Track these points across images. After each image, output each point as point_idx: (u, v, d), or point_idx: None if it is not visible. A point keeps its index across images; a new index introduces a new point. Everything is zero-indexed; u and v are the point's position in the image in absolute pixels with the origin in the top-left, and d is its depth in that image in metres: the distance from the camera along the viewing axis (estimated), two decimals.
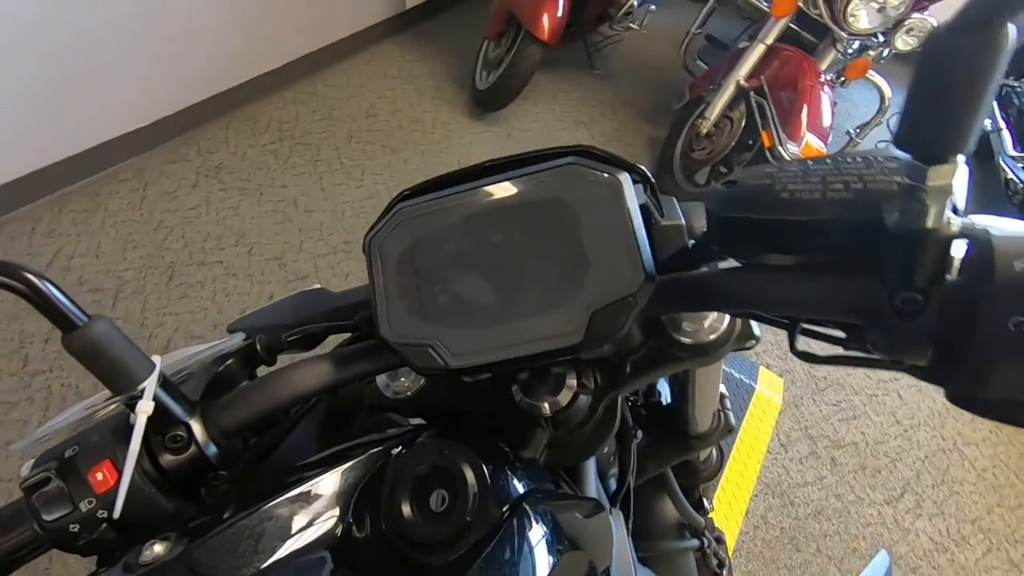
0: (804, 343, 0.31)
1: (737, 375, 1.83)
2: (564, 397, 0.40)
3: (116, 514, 0.28)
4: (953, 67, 0.19)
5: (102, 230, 1.89)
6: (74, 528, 0.29)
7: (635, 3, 2.58)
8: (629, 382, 0.41)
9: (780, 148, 1.87)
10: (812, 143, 1.88)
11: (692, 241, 0.38)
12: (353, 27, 2.74)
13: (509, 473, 0.34)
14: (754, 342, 0.41)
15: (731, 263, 0.35)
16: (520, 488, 0.34)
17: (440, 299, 0.33)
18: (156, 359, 0.31)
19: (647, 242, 0.31)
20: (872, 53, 2.00)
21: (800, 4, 1.94)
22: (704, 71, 2.39)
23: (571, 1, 2.34)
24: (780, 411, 1.78)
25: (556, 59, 2.88)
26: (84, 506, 0.29)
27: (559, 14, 2.28)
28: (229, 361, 0.37)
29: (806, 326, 0.32)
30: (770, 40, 2.01)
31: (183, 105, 2.20)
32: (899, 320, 0.24)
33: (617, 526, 0.42)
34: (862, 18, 1.87)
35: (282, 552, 0.28)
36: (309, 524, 0.29)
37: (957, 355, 0.24)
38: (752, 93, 2.03)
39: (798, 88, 1.94)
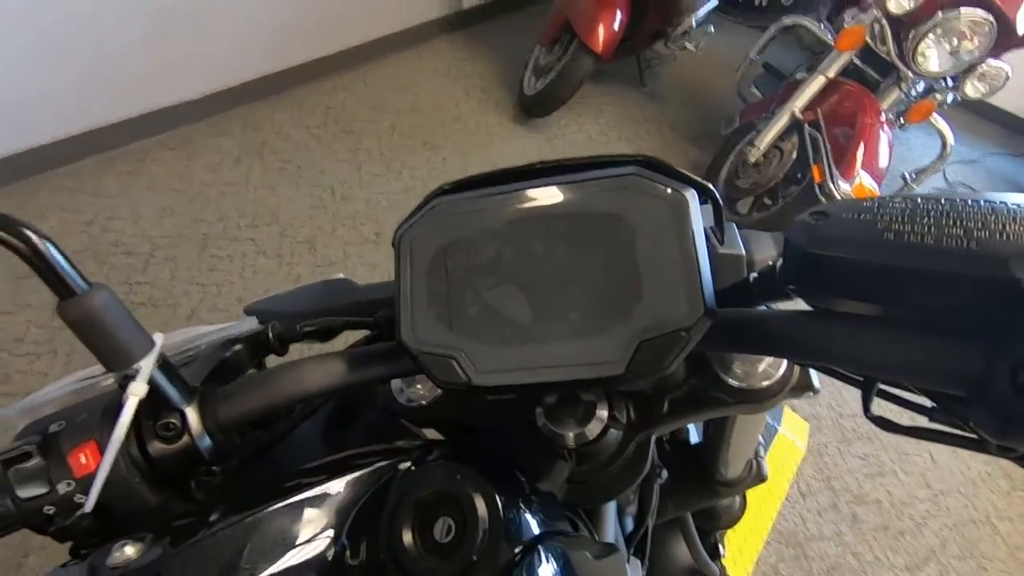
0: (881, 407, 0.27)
1: None
2: (593, 429, 0.36)
3: (89, 505, 0.26)
4: None
5: (143, 195, 1.92)
6: (49, 510, 0.27)
7: (693, 23, 2.53)
8: (665, 422, 0.37)
9: (831, 185, 1.80)
10: (865, 183, 1.80)
11: (754, 275, 0.34)
12: (409, 21, 2.75)
13: (524, 508, 0.31)
14: (812, 394, 0.37)
15: (795, 305, 0.31)
16: (535, 528, 0.30)
17: (470, 309, 0.30)
18: (158, 337, 0.28)
19: (710, 271, 0.28)
20: (938, 97, 1.91)
21: (867, 39, 1.87)
22: (758, 99, 2.33)
23: (629, 16, 2.31)
24: (803, 457, 1.70)
25: (607, 72, 2.85)
26: (62, 488, 0.27)
27: (615, 28, 2.26)
28: (238, 347, 0.35)
29: (884, 387, 0.28)
30: (831, 73, 1.94)
31: (236, 82, 2.23)
32: (1019, 399, 0.20)
33: (633, 574, 0.38)
34: (932, 59, 1.79)
35: (264, 573, 0.25)
36: (298, 543, 0.26)
37: None
38: (806, 125, 1.96)
39: (856, 125, 1.87)
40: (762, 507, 1.57)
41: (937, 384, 0.23)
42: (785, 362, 0.36)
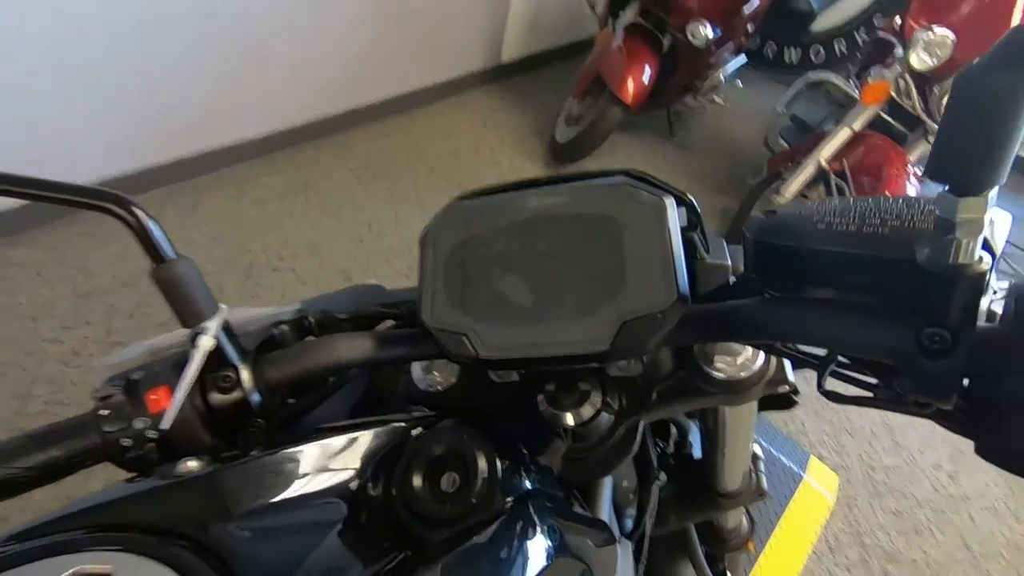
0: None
1: (786, 462, 1.72)
2: (587, 412, 0.40)
3: (167, 422, 0.31)
4: (984, 105, 0.20)
5: (197, 226, 2.07)
6: (125, 442, 0.32)
7: (722, 78, 2.63)
8: (653, 409, 0.41)
9: None
10: None
11: (733, 279, 0.38)
12: (450, 74, 2.93)
13: (522, 471, 0.35)
14: (787, 387, 0.40)
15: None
16: (528, 486, 0.34)
17: (480, 294, 0.35)
18: (223, 306, 0.35)
19: (684, 264, 0.32)
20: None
21: (892, 93, 1.92)
22: (785, 150, 2.38)
23: (658, 70, 2.42)
24: (831, 509, 1.65)
25: (637, 123, 2.95)
26: (138, 423, 0.32)
27: (644, 81, 2.36)
28: (284, 327, 0.40)
29: (839, 369, 0.31)
30: (857, 126, 1.99)
31: (286, 126, 2.41)
32: (926, 358, 0.24)
33: (624, 556, 0.41)
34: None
35: (301, 490, 0.29)
36: (328, 473, 0.31)
37: (987, 404, 0.23)
38: (833, 175, 2.00)
39: (882, 176, 1.89)
40: (788, 558, 1.52)
41: (872, 354, 0.27)
42: (761, 356, 0.40)
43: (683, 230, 0.35)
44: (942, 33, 1.71)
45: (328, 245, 2.12)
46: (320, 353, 0.36)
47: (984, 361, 0.23)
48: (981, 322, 0.24)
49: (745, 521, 0.70)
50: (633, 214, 0.33)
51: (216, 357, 0.34)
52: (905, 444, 1.88)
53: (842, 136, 2.02)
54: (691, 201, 0.36)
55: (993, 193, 0.21)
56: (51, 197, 0.32)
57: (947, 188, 0.22)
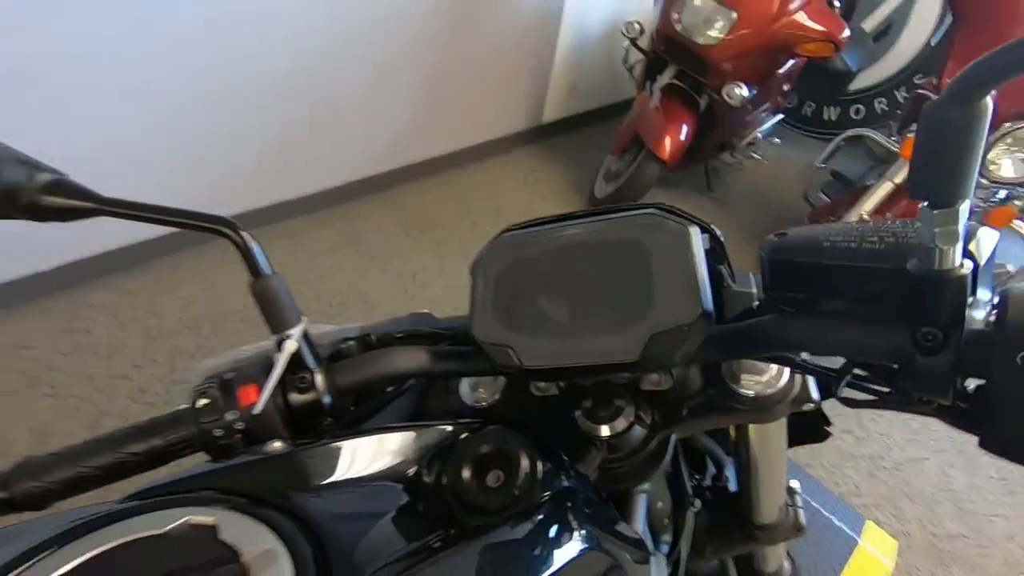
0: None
1: (839, 524, 1.64)
2: (620, 424, 0.43)
3: (260, 406, 0.36)
4: (946, 133, 0.24)
5: None
6: (217, 432, 0.37)
7: (759, 135, 2.69)
8: (683, 423, 0.44)
9: None
10: None
11: (756, 303, 0.42)
12: (494, 134, 3.10)
13: (561, 473, 0.38)
14: (812, 405, 0.42)
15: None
16: (567, 485, 0.37)
17: (524, 312, 0.39)
18: (305, 318, 0.40)
19: (708, 283, 0.36)
20: (1018, 203, 1.90)
21: None
22: (826, 204, 2.39)
23: (695, 128, 2.50)
24: None
25: (675, 179, 3.02)
26: (229, 416, 0.37)
27: (682, 138, 2.44)
28: (351, 342, 0.46)
29: (854, 381, 0.34)
30: (899, 179, 1.99)
31: (341, 182, 2.59)
32: (922, 356, 0.27)
33: (659, 570, 0.42)
34: (1005, 167, 1.81)
35: (365, 472, 0.34)
36: (389, 460, 0.35)
37: (983, 400, 0.26)
38: None
39: None
40: None
41: (875, 356, 0.30)
42: (786, 375, 0.42)
43: (710, 261, 0.39)
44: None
45: (376, 293, 2.22)
46: (382, 362, 0.41)
47: (974, 359, 0.26)
48: (979, 327, 0.27)
49: (787, 565, 0.69)
50: (660, 240, 0.38)
51: (296, 362, 0.39)
52: (972, 511, 1.76)
53: (884, 190, 2.02)
54: (715, 232, 0.40)
55: (965, 206, 0.25)
56: (177, 222, 0.39)
57: (926, 204, 0.26)
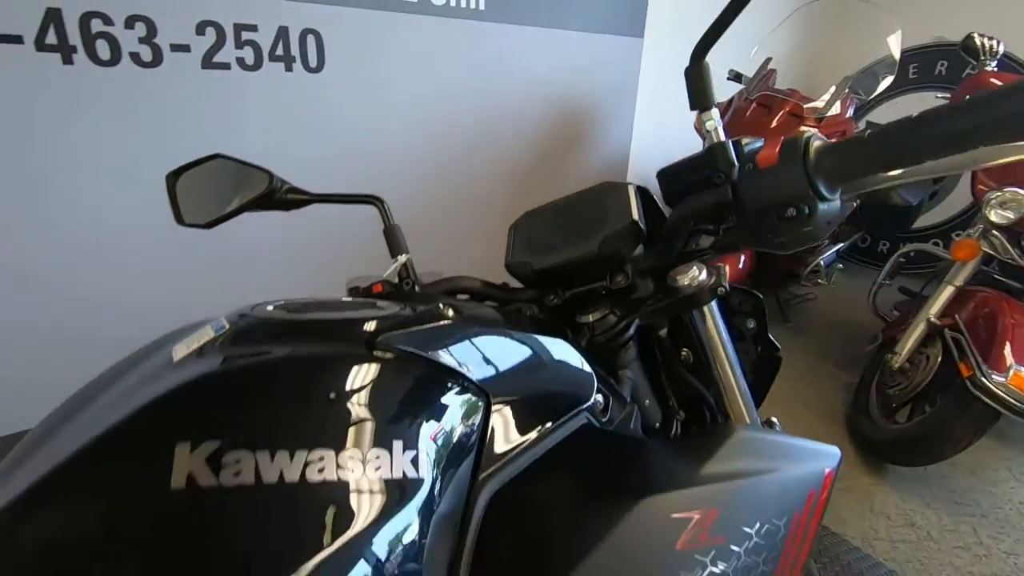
0: None
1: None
2: (598, 314, 0.65)
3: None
4: (691, 78, 0.52)
5: None
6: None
7: (822, 263, 2.85)
8: (642, 312, 0.64)
9: (983, 379, 1.76)
10: (1023, 372, 1.74)
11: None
12: None
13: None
14: (723, 290, 0.62)
15: None
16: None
17: (534, 242, 0.67)
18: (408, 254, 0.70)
19: (639, 210, 0.62)
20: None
21: (986, 249, 2.00)
22: (898, 316, 2.43)
23: (752, 257, 2.73)
24: None
25: None
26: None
27: (740, 267, 2.66)
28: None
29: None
30: (959, 282, 2.05)
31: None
32: (712, 190, 0.51)
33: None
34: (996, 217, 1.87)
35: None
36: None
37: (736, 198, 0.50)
38: (947, 330, 2.01)
39: (998, 327, 1.88)
40: None
41: (708, 205, 0.54)
42: (706, 273, 0.63)
43: (646, 207, 0.65)
44: (1012, 191, 1.88)
45: None
46: (456, 280, 0.69)
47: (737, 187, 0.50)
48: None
49: None
50: (611, 191, 0.66)
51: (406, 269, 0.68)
52: None
53: (946, 293, 2.07)
54: (648, 192, 0.68)
55: (713, 111, 0.52)
56: (334, 199, 0.72)
57: (698, 111, 0.53)
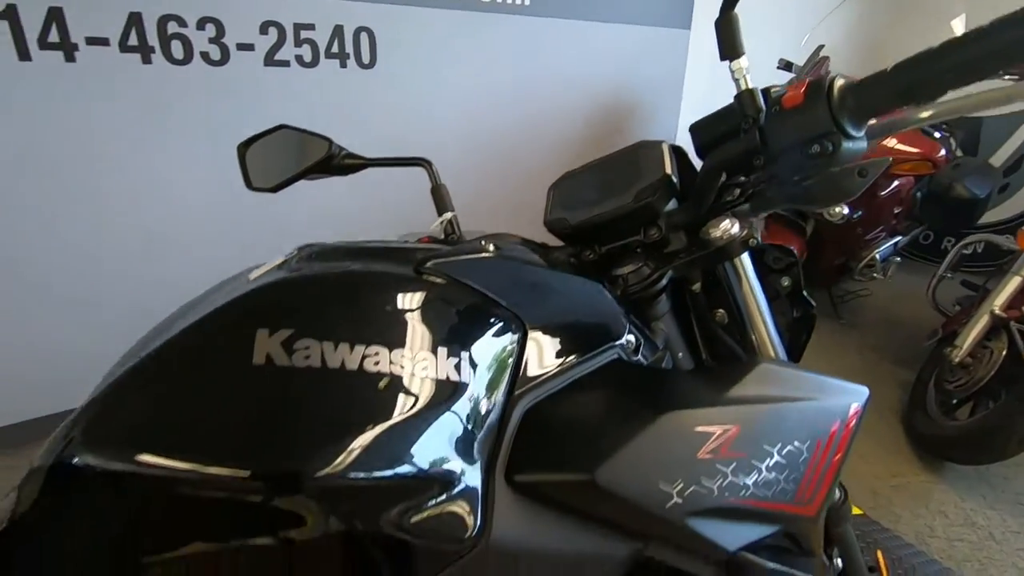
0: None
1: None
2: (633, 267, 0.68)
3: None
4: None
5: None
6: None
7: (877, 256, 2.74)
8: (675, 263, 0.66)
9: None
10: None
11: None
12: None
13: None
14: (755, 241, 0.63)
15: None
16: None
17: (572, 199, 0.71)
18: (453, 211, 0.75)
19: (672, 165, 0.64)
20: None
21: None
22: (960, 309, 2.32)
23: (804, 249, 2.66)
24: None
25: None
26: None
27: None
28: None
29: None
30: None
31: None
32: (741, 138, 0.54)
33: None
34: None
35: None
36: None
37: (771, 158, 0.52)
38: (1013, 323, 1.91)
39: None
40: None
41: (739, 153, 0.56)
42: (738, 226, 0.65)
43: (681, 164, 0.67)
44: None
45: None
46: (498, 236, 0.73)
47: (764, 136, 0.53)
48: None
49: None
50: (645, 148, 0.68)
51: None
52: None
53: (1012, 284, 1.97)
54: (682, 149, 0.70)
55: (744, 60, 0.54)
56: (387, 162, 0.77)
57: (729, 60, 0.55)
